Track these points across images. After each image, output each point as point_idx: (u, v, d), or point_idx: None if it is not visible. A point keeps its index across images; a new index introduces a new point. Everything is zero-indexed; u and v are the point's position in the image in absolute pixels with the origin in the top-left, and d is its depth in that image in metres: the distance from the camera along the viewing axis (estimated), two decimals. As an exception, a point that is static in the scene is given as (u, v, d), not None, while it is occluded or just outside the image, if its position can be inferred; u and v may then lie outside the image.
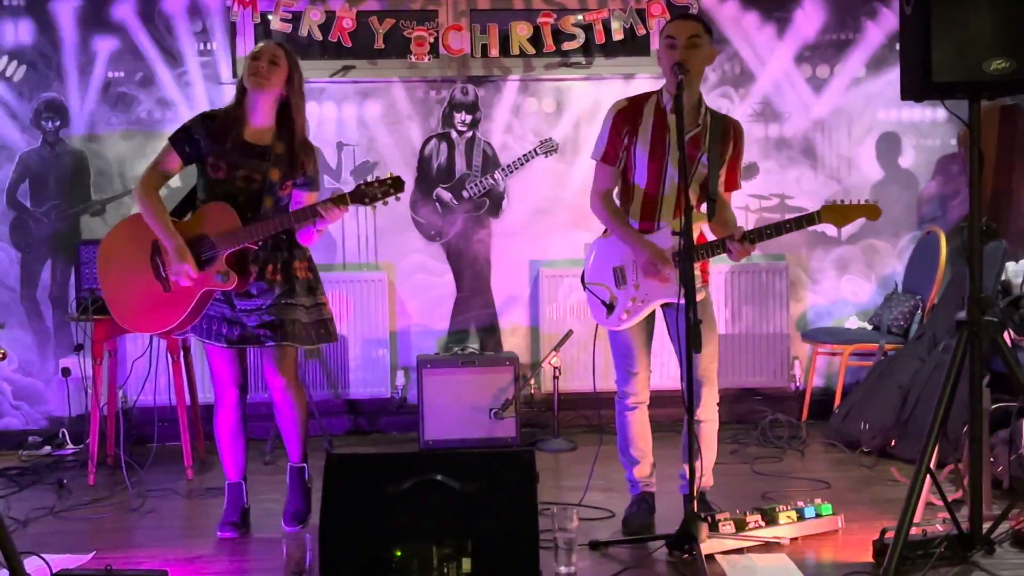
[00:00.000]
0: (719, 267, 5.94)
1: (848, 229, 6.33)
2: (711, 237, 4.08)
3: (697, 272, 3.95)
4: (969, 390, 3.61)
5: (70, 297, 5.91)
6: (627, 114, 4.08)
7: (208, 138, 4.04)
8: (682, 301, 3.67)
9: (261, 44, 4.12)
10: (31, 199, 6.03)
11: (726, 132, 4.09)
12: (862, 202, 3.95)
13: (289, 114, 4.09)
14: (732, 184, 4.17)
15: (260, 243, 4.01)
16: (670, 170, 4.01)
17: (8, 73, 5.98)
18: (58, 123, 6.02)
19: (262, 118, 4.09)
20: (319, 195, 4.15)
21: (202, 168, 4.08)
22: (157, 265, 4.05)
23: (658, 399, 4.33)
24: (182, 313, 3.99)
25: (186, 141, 4.06)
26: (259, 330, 4.06)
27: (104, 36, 6.02)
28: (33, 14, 5.97)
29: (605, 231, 4.23)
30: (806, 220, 3.90)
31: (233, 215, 3.96)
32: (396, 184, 3.92)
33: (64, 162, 6.05)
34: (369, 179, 3.95)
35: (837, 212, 3.92)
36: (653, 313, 4.16)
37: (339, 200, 3.89)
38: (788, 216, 6.19)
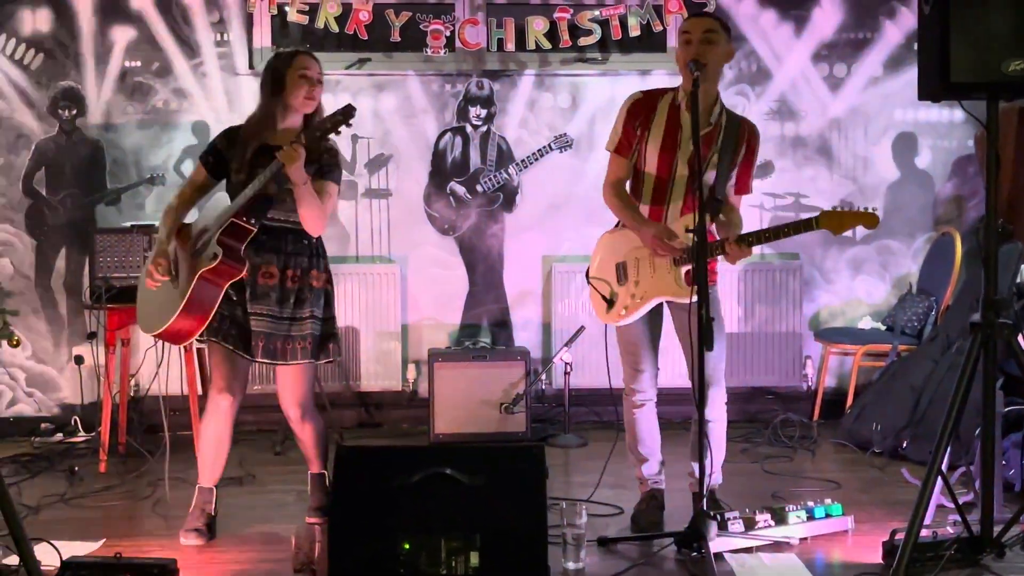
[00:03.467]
0: (733, 266, 5.91)
1: (863, 229, 6.30)
2: (716, 238, 4.07)
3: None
4: (982, 392, 3.59)
5: (84, 285, 5.92)
6: (640, 107, 4.08)
7: (231, 148, 4.06)
8: (690, 300, 3.67)
9: (307, 60, 4.04)
10: (47, 187, 6.05)
11: (740, 134, 4.08)
12: (861, 209, 3.89)
13: (312, 119, 4.06)
14: (743, 188, 4.16)
15: (254, 222, 3.91)
16: (679, 167, 4.01)
17: (26, 61, 6.00)
18: (75, 112, 6.04)
19: (292, 123, 4.07)
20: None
21: (228, 177, 4.08)
22: (170, 267, 4.05)
23: (667, 397, 4.33)
24: (182, 301, 3.86)
25: (210, 153, 4.12)
26: (272, 343, 3.99)
27: (121, 25, 6.03)
28: (51, 2, 5.98)
29: (613, 227, 4.22)
30: (804, 225, 3.85)
31: (227, 200, 3.98)
32: (346, 112, 3.76)
33: (80, 151, 6.06)
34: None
35: (835, 219, 3.85)
36: (661, 311, 4.16)
37: (295, 142, 3.77)
38: (802, 215, 6.23)
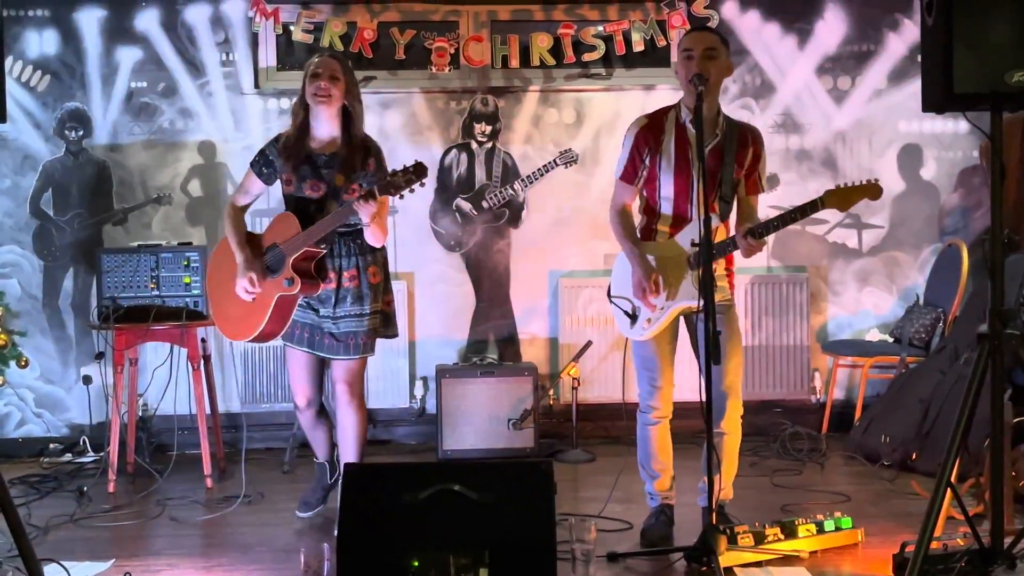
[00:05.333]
0: (739, 278, 5.91)
1: (869, 240, 6.31)
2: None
3: (720, 271, 4.00)
4: (990, 403, 3.58)
5: (92, 305, 5.94)
6: (648, 132, 4.09)
7: (280, 157, 4.29)
8: (704, 306, 3.67)
9: (318, 60, 4.27)
10: (54, 208, 6.07)
11: (743, 138, 4.10)
12: (863, 182, 3.93)
13: (349, 120, 4.27)
14: (754, 188, 4.17)
15: (324, 247, 4.19)
16: (696, 183, 4.01)
17: (32, 83, 6.03)
18: (81, 132, 6.07)
19: (327, 129, 4.29)
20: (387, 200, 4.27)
21: (282, 186, 4.34)
22: None
23: (680, 411, 4.32)
24: (262, 320, 4.22)
25: (263, 163, 4.37)
26: (335, 339, 4.26)
27: (127, 46, 6.06)
28: (58, 24, 6.02)
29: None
30: (810, 207, 3.91)
31: (294, 222, 4.17)
32: (418, 170, 3.99)
33: (87, 171, 6.09)
34: (393, 169, 4.05)
35: (839, 195, 3.91)
36: (677, 325, 4.16)
37: (368, 195, 3.99)
38: (808, 228, 6.24)
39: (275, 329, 4.29)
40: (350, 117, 4.27)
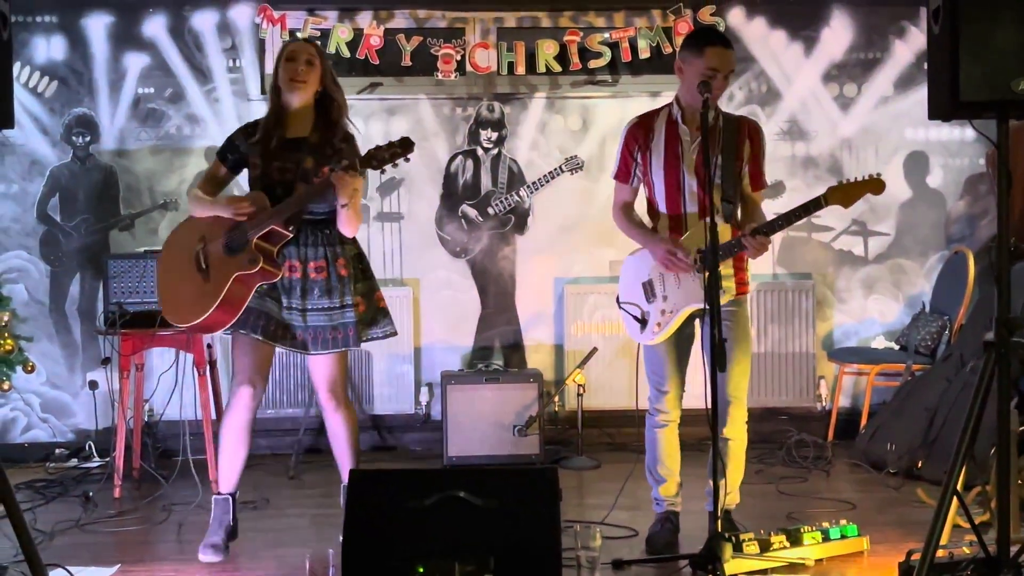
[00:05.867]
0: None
1: (875, 248, 6.30)
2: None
3: (728, 271, 4.01)
4: (997, 412, 3.58)
5: (98, 311, 5.96)
6: (637, 131, 4.14)
7: (248, 143, 4.13)
8: (717, 308, 3.66)
9: (292, 46, 4.17)
10: (61, 213, 6.09)
11: (740, 130, 4.10)
12: (865, 177, 3.93)
13: (326, 105, 4.15)
14: (757, 182, 4.16)
15: (292, 228, 3.98)
16: (687, 180, 4.02)
17: (40, 89, 6.05)
18: (88, 138, 6.08)
19: (300, 114, 4.12)
20: (364, 180, 4.13)
21: (248, 172, 4.17)
22: (199, 259, 4.07)
23: (687, 417, 4.32)
24: (216, 299, 3.92)
25: (228, 149, 4.20)
26: (307, 334, 4.03)
27: (135, 52, 6.08)
28: (65, 30, 6.04)
29: (634, 250, 4.23)
30: (813, 205, 3.90)
31: (264, 200, 3.97)
32: (404, 144, 3.81)
33: (94, 177, 6.10)
34: (379, 144, 3.88)
35: (842, 192, 3.91)
36: (691, 332, 4.15)
37: (349, 167, 3.82)
38: (814, 235, 6.24)
39: (224, 317, 3.97)
40: (327, 103, 4.13)
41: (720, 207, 4.02)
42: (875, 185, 3.92)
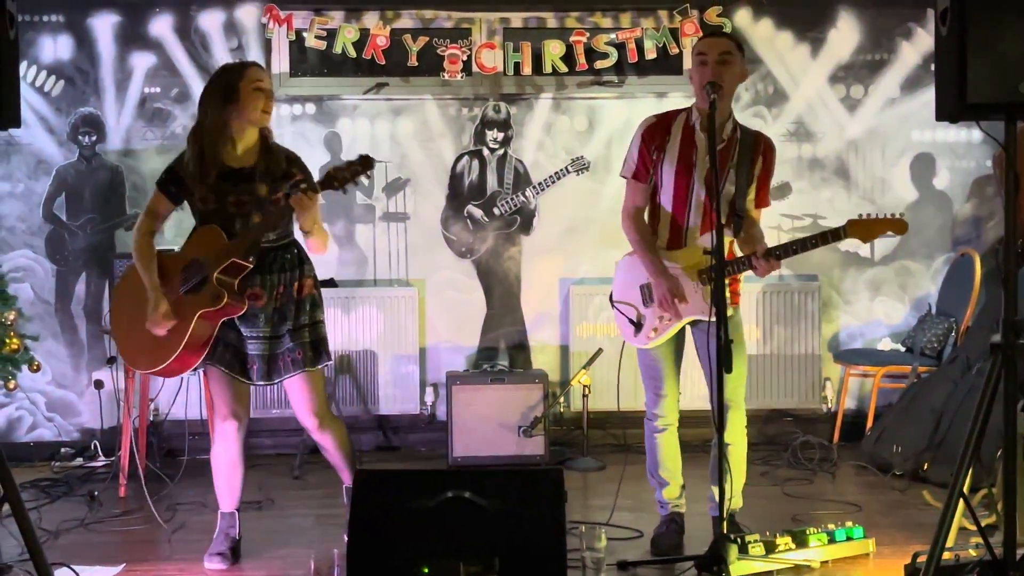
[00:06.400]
0: (751, 287, 5.91)
1: (882, 250, 6.29)
2: (739, 254, 4.07)
3: (728, 294, 3.95)
4: (1003, 414, 3.57)
5: (104, 310, 5.97)
6: (655, 131, 4.07)
7: (191, 175, 3.95)
8: (712, 319, 3.65)
9: (259, 73, 3.97)
10: (67, 213, 6.10)
11: (756, 147, 4.07)
12: (888, 215, 3.90)
13: (263, 131, 4.02)
14: (762, 201, 4.15)
15: (252, 259, 3.89)
16: (696, 188, 4.00)
17: (46, 88, 6.05)
18: (95, 138, 6.09)
19: (248, 142, 3.98)
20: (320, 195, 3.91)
21: (192, 204, 4.03)
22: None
23: (687, 419, 4.31)
24: (182, 339, 3.84)
25: (171, 181, 4.02)
26: (277, 361, 3.96)
27: (141, 52, 6.08)
28: (72, 30, 6.05)
29: (633, 250, 4.21)
30: (832, 235, 3.87)
31: (220, 234, 3.87)
32: (365, 162, 3.70)
33: (100, 176, 6.11)
34: (337, 164, 3.78)
35: (863, 227, 3.87)
36: (683, 334, 4.14)
37: (308, 188, 3.71)
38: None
39: (190, 359, 3.91)
40: (264, 130, 4.01)
41: (732, 221, 4.01)
42: (897, 225, 3.88)
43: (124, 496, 5.10)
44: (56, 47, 6.06)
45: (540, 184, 6.21)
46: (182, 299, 3.90)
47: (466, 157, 6.23)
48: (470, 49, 6.11)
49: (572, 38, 6.11)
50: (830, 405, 6.25)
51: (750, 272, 3.96)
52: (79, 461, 5.83)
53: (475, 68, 6.11)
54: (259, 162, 3.97)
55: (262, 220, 3.87)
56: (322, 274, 4.29)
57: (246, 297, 3.90)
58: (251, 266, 3.89)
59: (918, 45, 6.23)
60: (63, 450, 5.93)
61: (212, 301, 3.81)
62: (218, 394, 4.06)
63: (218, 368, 3.97)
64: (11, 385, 5.65)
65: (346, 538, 4.04)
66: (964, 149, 6.31)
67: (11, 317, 5.57)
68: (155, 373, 4.04)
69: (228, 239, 3.86)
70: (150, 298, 3.92)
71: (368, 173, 3.74)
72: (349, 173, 3.70)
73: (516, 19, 6.15)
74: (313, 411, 4.06)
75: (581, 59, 6.11)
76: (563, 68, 6.11)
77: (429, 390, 6.19)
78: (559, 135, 6.23)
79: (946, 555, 3.50)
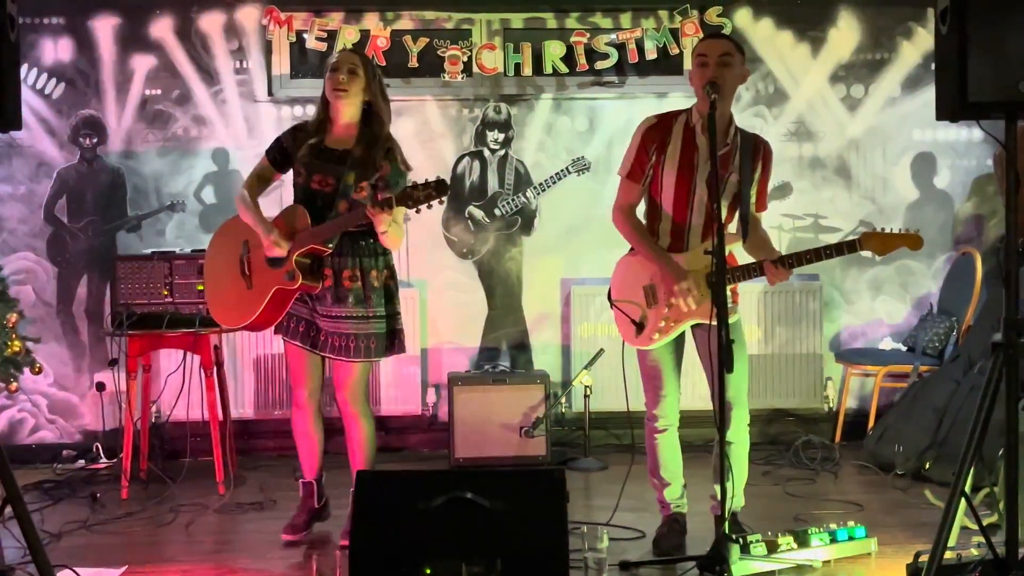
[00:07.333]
0: (752, 286, 5.91)
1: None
2: (741, 258, 4.06)
3: (728, 293, 3.94)
4: (1005, 413, 3.57)
5: (105, 312, 5.97)
6: (655, 131, 4.07)
7: (296, 146, 4.23)
8: (714, 322, 3.65)
9: (338, 55, 4.27)
10: (68, 215, 6.10)
11: (756, 151, 4.08)
12: (903, 231, 3.89)
13: (370, 117, 4.21)
14: (761, 205, 4.16)
15: (331, 246, 4.10)
16: (698, 189, 3.99)
17: (47, 90, 6.06)
18: (96, 140, 6.09)
19: (345, 125, 4.21)
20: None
21: (294, 176, 4.28)
22: (243, 264, 4.23)
23: (688, 419, 4.31)
24: (256, 309, 4.13)
25: (276, 149, 4.30)
26: (332, 340, 4.16)
27: (142, 54, 6.09)
28: (73, 32, 6.05)
29: (631, 250, 4.21)
30: (847, 247, 3.87)
31: (305, 217, 4.09)
32: (439, 187, 3.86)
33: (101, 178, 6.11)
34: (416, 182, 3.93)
35: (878, 240, 3.87)
36: (683, 334, 4.14)
37: (385, 203, 3.91)
38: (821, 236, 6.22)
39: (269, 319, 4.21)
40: (372, 114, 4.21)
41: (737, 226, 4.02)
42: (913, 241, 3.88)
43: (126, 498, 5.10)
44: (57, 49, 6.06)
45: (541, 185, 6.22)
46: (264, 268, 4.16)
47: (467, 158, 6.23)
48: (470, 50, 6.11)
49: (572, 39, 6.11)
50: (832, 405, 6.25)
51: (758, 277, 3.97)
52: (81, 463, 5.83)
53: (475, 69, 6.11)
54: (355, 147, 4.16)
55: (344, 219, 4.05)
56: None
57: (323, 276, 4.14)
58: (329, 251, 4.12)
59: (918, 44, 6.23)
60: (65, 452, 5.94)
61: (287, 281, 4.08)
62: (292, 364, 4.35)
63: (291, 342, 4.25)
64: (13, 387, 5.64)
65: (343, 541, 4.10)
66: (965, 148, 6.31)
67: (13, 319, 5.56)
68: (243, 328, 4.30)
69: (312, 221, 4.07)
70: (259, 230, 4.14)
71: (441, 199, 3.89)
72: (423, 195, 3.87)
73: (516, 20, 6.15)
74: (352, 396, 4.27)
75: (581, 60, 6.11)
76: (563, 69, 6.11)
77: (431, 391, 6.19)
78: (560, 136, 6.23)
79: (948, 554, 3.50)
